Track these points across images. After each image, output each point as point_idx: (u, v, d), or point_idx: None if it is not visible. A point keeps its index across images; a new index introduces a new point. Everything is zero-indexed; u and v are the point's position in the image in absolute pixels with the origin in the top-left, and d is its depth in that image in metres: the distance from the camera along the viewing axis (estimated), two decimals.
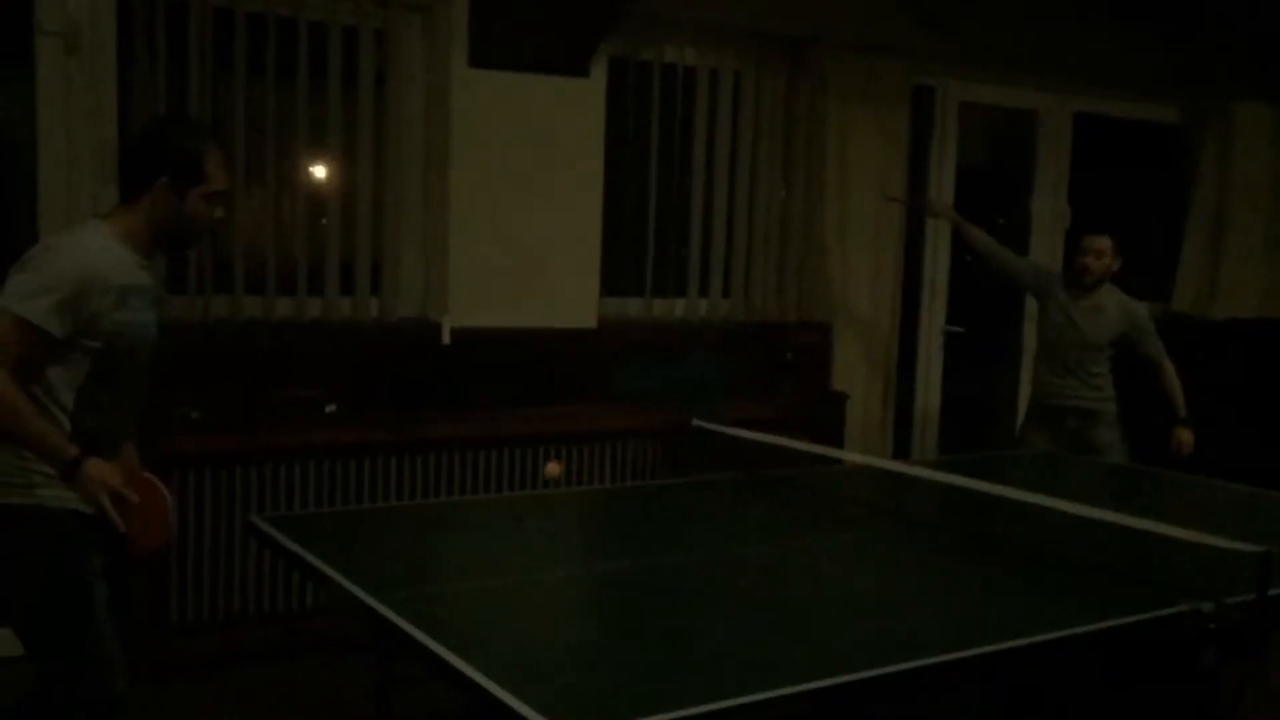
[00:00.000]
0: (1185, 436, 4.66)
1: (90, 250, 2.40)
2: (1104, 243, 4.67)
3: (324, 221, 4.36)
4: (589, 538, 3.22)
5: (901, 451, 5.77)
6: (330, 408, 4.06)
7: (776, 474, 3.71)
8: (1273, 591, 2.40)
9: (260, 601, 3.87)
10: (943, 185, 5.87)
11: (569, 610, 2.44)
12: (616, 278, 5.00)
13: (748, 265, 5.24)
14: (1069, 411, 4.73)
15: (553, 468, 3.89)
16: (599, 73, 4.72)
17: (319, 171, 4.42)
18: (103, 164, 3.81)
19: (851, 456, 4.19)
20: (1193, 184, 6.49)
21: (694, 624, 2.28)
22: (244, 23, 4.07)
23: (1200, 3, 5.65)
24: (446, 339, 4.37)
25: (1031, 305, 5.26)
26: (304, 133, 4.25)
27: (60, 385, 2.38)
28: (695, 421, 3.81)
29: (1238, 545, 2.45)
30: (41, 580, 2.39)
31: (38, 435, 2.33)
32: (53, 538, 2.39)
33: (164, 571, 3.70)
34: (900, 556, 2.93)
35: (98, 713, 2.42)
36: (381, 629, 2.19)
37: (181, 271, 4.02)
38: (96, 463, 2.35)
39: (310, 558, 2.50)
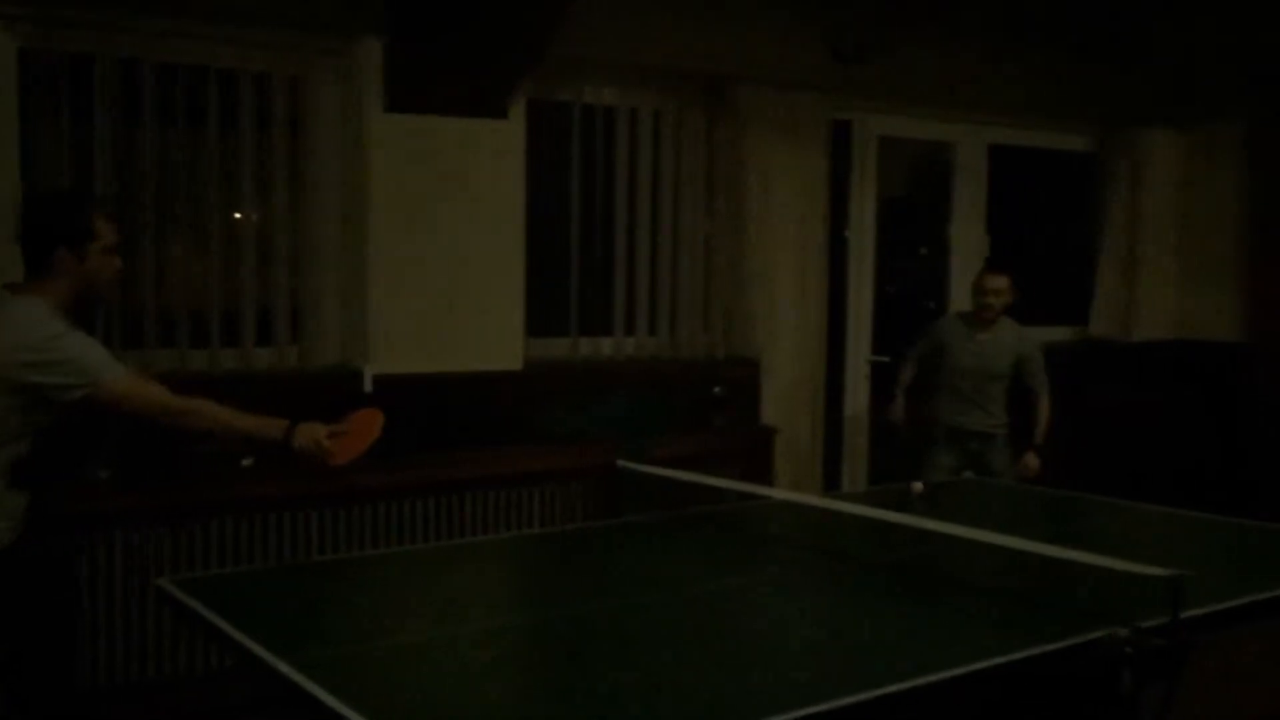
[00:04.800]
0: (1032, 461, 5.01)
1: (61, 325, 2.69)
2: (1002, 282, 5.03)
3: (241, 270, 4.28)
4: (516, 586, 3.18)
5: (832, 482, 5.80)
6: (247, 461, 3.97)
7: (705, 511, 3.70)
8: (1187, 614, 2.44)
9: (176, 665, 3.75)
10: (864, 217, 5.94)
11: (493, 665, 2.39)
12: (542, 319, 4.97)
13: (673, 302, 5.26)
14: (970, 435, 5.07)
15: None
16: (518, 114, 4.72)
17: (233, 221, 4.35)
18: (6, 220, 3.70)
19: (775, 492, 4.20)
20: (1105, 210, 6.65)
21: (624, 672, 2.25)
22: (152, 73, 4.01)
23: (1107, 33, 5.80)
24: (369, 387, 4.31)
25: None
26: (216, 182, 4.19)
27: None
28: (620, 462, 3.79)
29: (1149, 570, 2.48)
30: None
31: (252, 427, 2.84)
32: None
33: (72, 636, 3.58)
34: (822, 592, 2.93)
35: None
36: (291, 693, 2.13)
37: (88, 327, 3.91)
38: (306, 425, 2.85)
39: (217, 621, 2.43)
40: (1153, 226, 6.65)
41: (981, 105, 6.07)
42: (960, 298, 6.21)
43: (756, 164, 5.29)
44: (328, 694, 2.03)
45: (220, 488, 3.80)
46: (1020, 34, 5.67)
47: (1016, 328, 5.11)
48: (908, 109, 5.94)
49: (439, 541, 4.15)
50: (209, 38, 4.09)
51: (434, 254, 4.55)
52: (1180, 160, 6.74)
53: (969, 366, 5.06)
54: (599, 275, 5.13)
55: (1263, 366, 6.33)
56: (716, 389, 5.17)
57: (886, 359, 5.93)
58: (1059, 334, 6.65)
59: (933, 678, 2.18)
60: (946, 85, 5.86)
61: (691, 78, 5.17)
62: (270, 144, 4.29)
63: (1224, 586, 2.79)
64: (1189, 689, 2.48)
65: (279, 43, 4.24)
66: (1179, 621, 2.40)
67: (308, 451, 2.83)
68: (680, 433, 4.88)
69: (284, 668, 2.17)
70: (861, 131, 5.88)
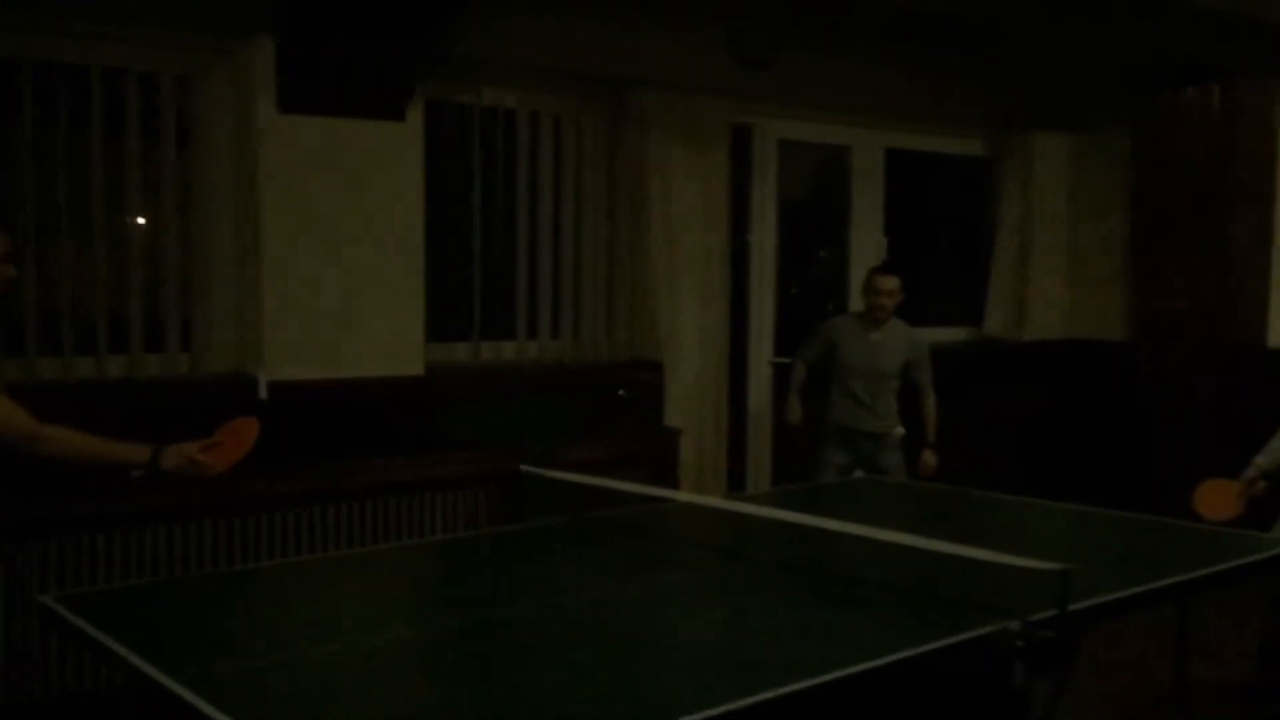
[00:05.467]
0: (930, 459, 5.17)
1: None
2: (893, 282, 5.13)
3: (130, 275, 4.15)
4: (420, 595, 3.13)
5: (737, 483, 5.85)
6: (137, 473, 3.84)
7: (609, 516, 3.69)
8: (1075, 606, 2.51)
9: (63, 684, 3.62)
10: (765, 221, 6.01)
11: (396, 675, 2.35)
12: (443, 322, 4.92)
13: (576, 305, 5.25)
14: (863, 435, 5.14)
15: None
16: (416, 116, 4.65)
17: (121, 224, 4.21)
18: None
19: (678, 495, 4.21)
20: (998, 213, 6.83)
21: (529, 679, 2.23)
22: (31, 71, 3.86)
23: (999, 40, 5.96)
24: (264, 394, 4.21)
25: None
26: (102, 184, 4.05)
27: None
28: (524, 467, 3.77)
29: (1038, 564, 2.55)
30: None
31: (116, 454, 2.83)
32: None
33: None
34: (724, 593, 2.95)
35: None
36: (184, 712, 2.06)
37: None
38: (174, 447, 2.82)
39: (105, 639, 2.35)
40: (1043, 229, 6.85)
41: (878, 110, 6.19)
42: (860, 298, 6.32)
43: (658, 167, 5.31)
44: (222, 712, 1.98)
45: (109, 498, 3.67)
46: (915, 40, 5.78)
47: (906, 328, 5.23)
48: (807, 113, 6.02)
49: (339, 551, 4.08)
50: (92, 35, 3.96)
51: (331, 257, 4.46)
52: (1069, 164, 6.96)
53: (861, 366, 5.15)
54: (501, 278, 5.10)
55: (1146, 364, 6.56)
56: (620, 392, 5.18)
57: (788, 360, 5.99)
58: (954, 334, 6.81)
59: (828, 677, 2.21)
60: (844, 90, 5.95)
61: (592, 80, 5.17)
62: (158, 145, 4.16)
63: (1111, 579, 2.88)
64: (1078, 679, 2.55)
65: (166, 41, 4.13)
66: (1068, 614, 2.46)
67: (180, 471, 2.82)
68: (585, 436, 4.88)
69: (175, 685, 2.11)
70: (762, 135, 5.94)
